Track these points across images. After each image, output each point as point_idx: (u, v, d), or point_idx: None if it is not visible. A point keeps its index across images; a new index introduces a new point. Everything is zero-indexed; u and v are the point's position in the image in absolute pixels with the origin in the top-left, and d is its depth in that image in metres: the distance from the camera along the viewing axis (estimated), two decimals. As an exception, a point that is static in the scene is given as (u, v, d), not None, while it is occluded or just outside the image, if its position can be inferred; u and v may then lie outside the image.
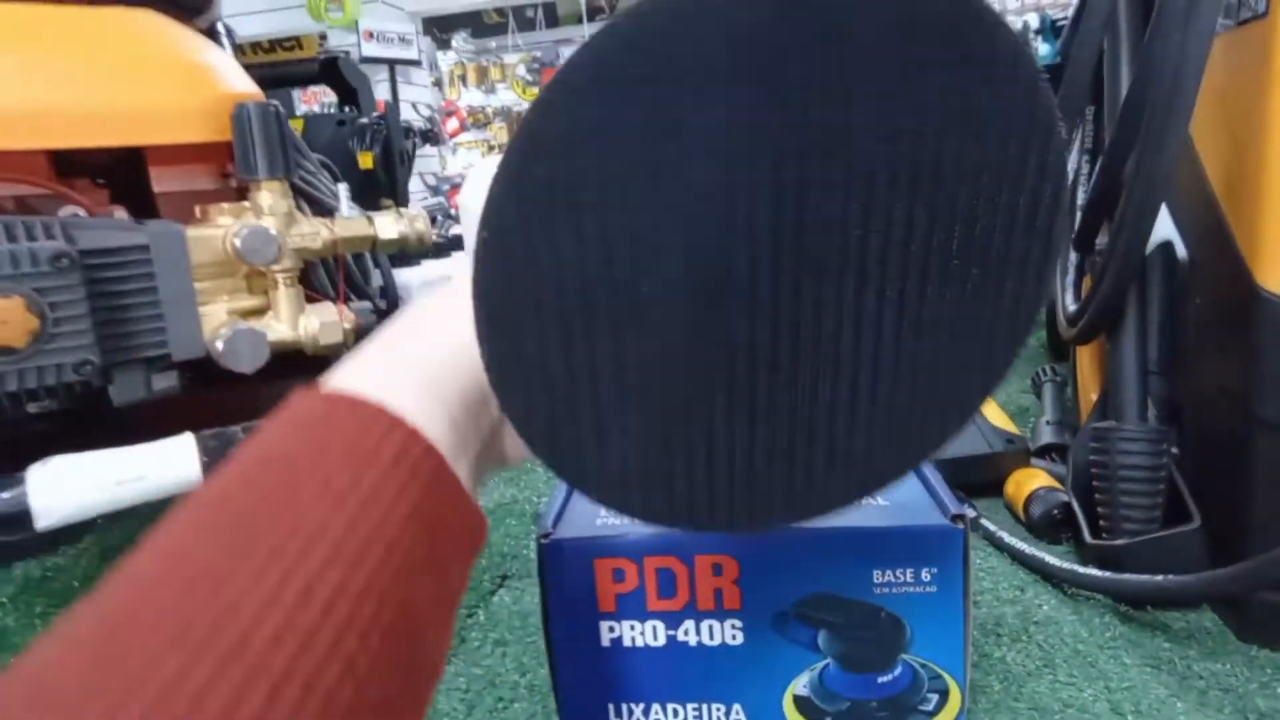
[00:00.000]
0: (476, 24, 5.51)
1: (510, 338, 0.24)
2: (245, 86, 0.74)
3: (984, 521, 0.70)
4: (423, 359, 0.26)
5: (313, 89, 4.09)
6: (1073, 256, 0.75)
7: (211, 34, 0.95)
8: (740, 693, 0.43)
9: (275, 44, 2.88)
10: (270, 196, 0.67)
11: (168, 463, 0.57)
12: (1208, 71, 0.51)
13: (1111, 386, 0.63)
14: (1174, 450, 0.61)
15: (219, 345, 0.63)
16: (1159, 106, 0.51)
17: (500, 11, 5.37)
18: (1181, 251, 0.63)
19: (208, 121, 0.69)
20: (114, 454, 0.55)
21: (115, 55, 0.69)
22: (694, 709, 0.43)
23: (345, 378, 0.25)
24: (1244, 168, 0.54)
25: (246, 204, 0.68)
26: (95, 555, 0.81)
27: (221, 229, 0.66)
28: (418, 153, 1.81)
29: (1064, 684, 0.52)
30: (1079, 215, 0.74)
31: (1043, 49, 2.98)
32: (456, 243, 1.21)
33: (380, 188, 1.42)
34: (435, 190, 4.31)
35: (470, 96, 5.64)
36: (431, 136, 4.22)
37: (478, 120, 5.58)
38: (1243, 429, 0.54)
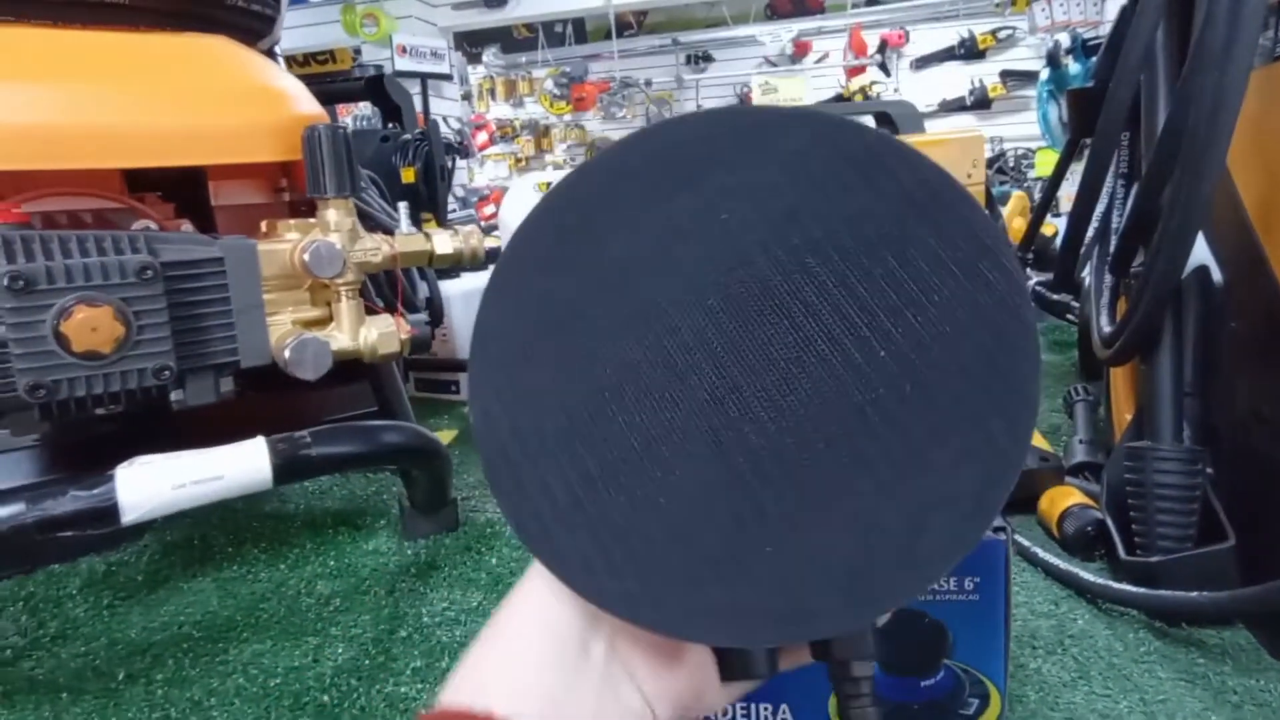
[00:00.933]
0: (506, 39, 5.60)
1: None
2: (312, 108, 0.78)
3: (1018, 537, 0.72)
4: (515, 639, 0.26)
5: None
6: (1108, 279, 0.77)
7: (270, 54, 1.00)
8: (787, 693, 0.45)
9: (309, 57, 2.94)
10: (336, 214, 0.70)
11: (242, 464, 0.60)
12: (1244, 104, 0.53)
13: (1147, 407, 0.65)
14: (1209, 470, 0.62)
15: (286, 354, 0.67)
16: (1197, 137, 0.53)
17: (530, 27, 5.46)
18: (1217, 276, 0.64)
19: (277, 142, 0.73)
20: (193, 455, 0.59)
21: (193, 79, 0.73)
22: (742, 708, 0.46)
23: (459, 688, 0.26)
24: (1279, 196, 0.56)
25: (313, 220, 0.72)
26: (156, 551, 0.85)
27: (289, 244, 0.70)
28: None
29: (1100, 695, 0.53)
30: (1115, 239, 0.76)
31: (1074, 68, 2.99)
32: (494, 255, 1.24)
33: (420, 202, 1.47)
34: (464, 202, 4.38)
35: (499, 110, 5.72)
36: (461, 149, 4.29)
37: (506, 133, 5.66)
38: (1277, 450, 0.56)
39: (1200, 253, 0.64)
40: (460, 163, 4.56)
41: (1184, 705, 0.52)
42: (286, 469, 0.62)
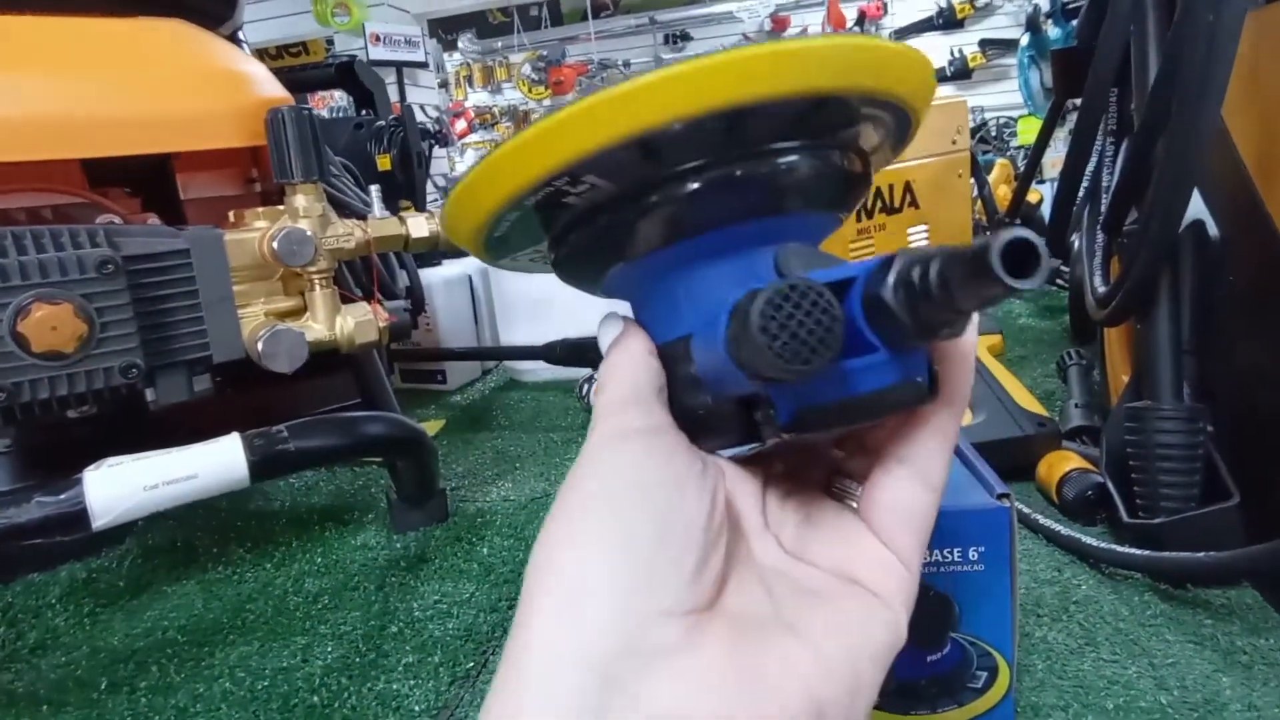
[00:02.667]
0: (481, 24, 5.52)
1: None
2: (276, 91, 0.75)
3: (1019, 504, 0.71)
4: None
5: (320, 93, 4.11)
6: (1100, 239, 0.75)
7: (234, 39, 0.96)
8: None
9: (282, 50, 2.87)
10: (305, 199, 0.68)
11: (217, 461, 0.58)
12: (1239, 50, 0.51)
13: (1145, 367, 0.64)
14: (1210, 428, 0.61)
15: (260, 346, 0.65)
16: (1191, 87, 0.51)
17: (505, 11, 5.38)
18: (1213, 230, 0.63)
19: (240, 127, 0.70)
20: (166, 455, 0.56)
21: (150, 65, 0.70)
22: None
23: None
24: (1278, 145, 0.54)
25: (281, 208, 0.69)
26: (138, 555, 0.83)
27: (258, 232, 0.67)
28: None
29: (1107, 661, 0.52)
30: (1106, 198, 0.75)
31: (1054, 33, 2.97)
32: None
33: (398, 190, 1.44)
34: (445, 192, 4.32)
35: (477, 97, 5.65)
36: (440, 138, 4.23)
37: (485, 120, 5.59)
38: (1279, 405, 0.55)
39: (1195, 207, 0.63)
40: (440, 151, 4.50)
41: (1193, 667, 0.51)
42: (263, 465, 0.60)
